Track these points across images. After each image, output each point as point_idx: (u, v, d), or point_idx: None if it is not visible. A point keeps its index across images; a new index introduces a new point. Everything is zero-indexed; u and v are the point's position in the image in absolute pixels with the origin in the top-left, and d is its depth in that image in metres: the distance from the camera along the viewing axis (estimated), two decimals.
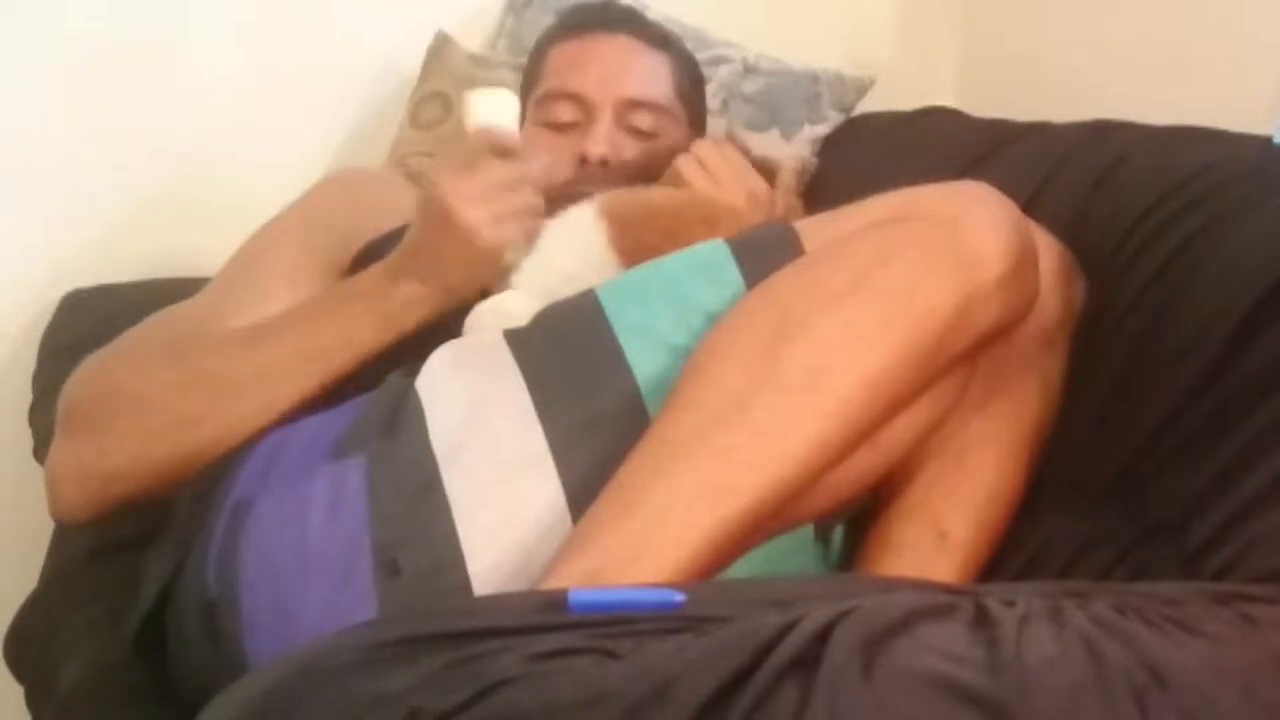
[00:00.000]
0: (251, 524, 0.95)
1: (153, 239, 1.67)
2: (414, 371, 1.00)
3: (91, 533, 1.29)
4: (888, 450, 0.97)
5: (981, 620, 0.66)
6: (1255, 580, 0.83)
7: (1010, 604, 0.68)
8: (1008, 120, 1.45)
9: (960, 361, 0.97)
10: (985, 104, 1.60)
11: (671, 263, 1.01)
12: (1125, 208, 1.11)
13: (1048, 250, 1.03)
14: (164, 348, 1.10)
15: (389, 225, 1.19)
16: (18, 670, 1.25)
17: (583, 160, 1.29)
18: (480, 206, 1.05)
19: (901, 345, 0.91)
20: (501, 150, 1.08)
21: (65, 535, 1.35)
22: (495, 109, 1.11)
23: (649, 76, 1.37)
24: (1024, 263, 0.96)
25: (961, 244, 0.94)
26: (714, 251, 1.00)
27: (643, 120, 1.34)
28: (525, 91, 1.42)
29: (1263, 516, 0.87)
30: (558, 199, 1.14)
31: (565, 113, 1.34)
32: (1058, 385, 1.07)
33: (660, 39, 1.41)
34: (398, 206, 1.23)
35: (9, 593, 1.30)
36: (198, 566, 0.97)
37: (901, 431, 0.97)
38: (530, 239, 1.10)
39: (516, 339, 0.99)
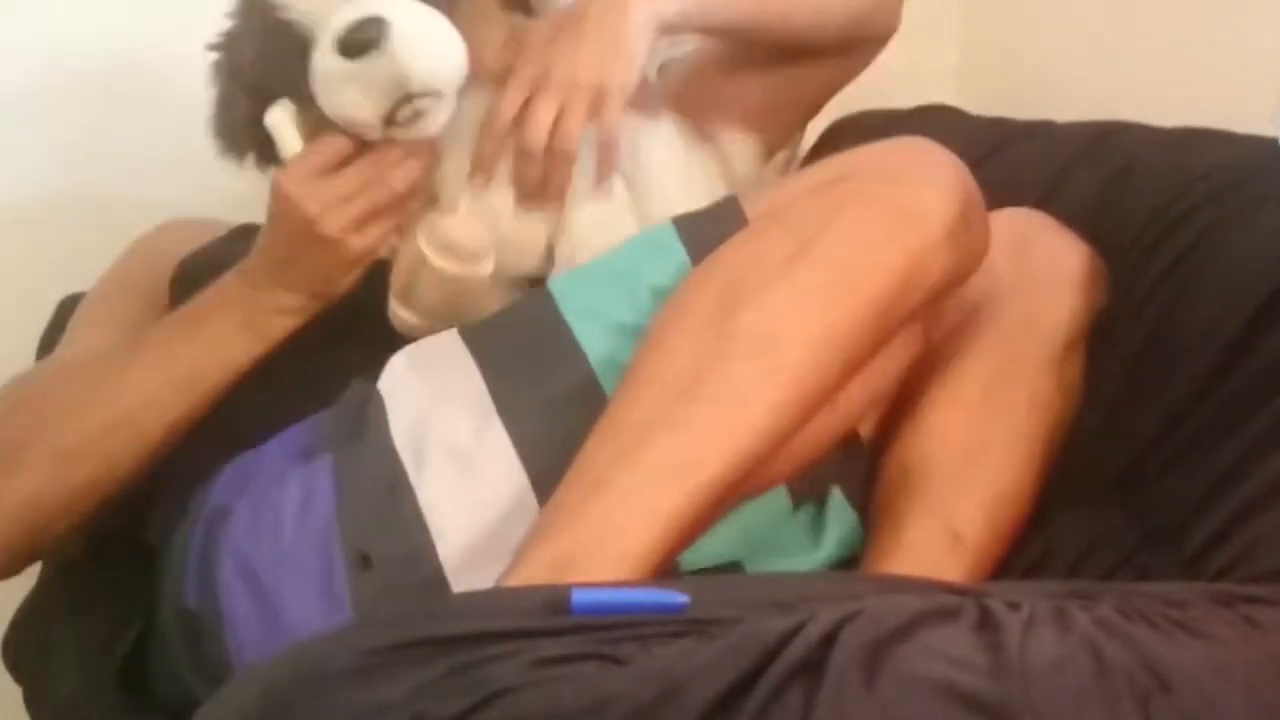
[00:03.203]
0: (228, 530, 0.96)
1: None
2: (376, 376, 1.01)
3: (90, 533, 1.29)
4: (845, 411, 0.97)
5: (985, 623, 0.66)
6: (1257, 580, 0.83)
7: (1015, 606, 0.68)
8: (1008, 120, 1.45)
9: (913, 317, 0.97)
10: (985, 104, 1.60)
11: (618, 247, 1.01)
12: (1132, 214, 1.11)
13: (1072, 251, 1.03)
14: (23, 395, 1.10)
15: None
16: (16, 672, 1.24)
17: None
18: (340, 214, 1.00)
19: (851, 306, 0.91)
20: (342, 157, 1.01)
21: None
22: (283, 125, 1.05)
23: None
24: (969, 214, 0.95)
25: (904, 199, 0.93)
26: (659, 230, 1.00)
27: None
28: None
29: (1264, 517, 0.87)
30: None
31: None
32: (1078, 387, 1.06)
33: None
34: (201, 236, 1.23)
35: (9, 593, 1.29)
36: (175, 578, 0.98)
37: (858, 392, 0.97)
38: (399, 234, 1.05)
39: (470, 333, 1.00)
